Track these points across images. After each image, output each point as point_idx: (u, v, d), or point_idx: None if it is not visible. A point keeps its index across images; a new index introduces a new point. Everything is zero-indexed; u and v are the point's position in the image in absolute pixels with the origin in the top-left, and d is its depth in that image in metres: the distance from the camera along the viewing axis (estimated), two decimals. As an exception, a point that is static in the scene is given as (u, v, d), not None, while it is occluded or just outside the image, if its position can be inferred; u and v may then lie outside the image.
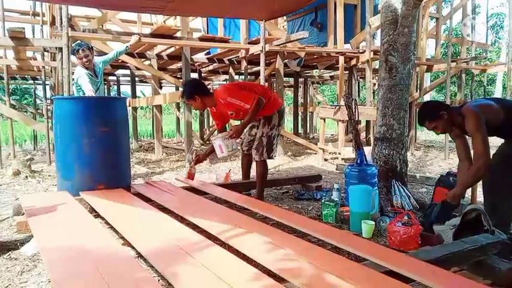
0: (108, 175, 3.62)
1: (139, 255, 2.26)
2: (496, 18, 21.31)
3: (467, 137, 2.77)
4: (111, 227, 2.76)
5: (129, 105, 8.86)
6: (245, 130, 3.69)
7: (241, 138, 3.82)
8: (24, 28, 5.50)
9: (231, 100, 3.40)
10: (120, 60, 7.78)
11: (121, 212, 2.91)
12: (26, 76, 9.83)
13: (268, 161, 3.70)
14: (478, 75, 10.54)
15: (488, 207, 2.67)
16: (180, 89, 3.67)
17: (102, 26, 6.70)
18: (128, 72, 9.61)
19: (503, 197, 2.68)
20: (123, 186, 3.69)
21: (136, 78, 10.19)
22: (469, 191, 3.44)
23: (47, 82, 7.92)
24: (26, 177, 5.11)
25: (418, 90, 8.63)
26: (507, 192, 2.66)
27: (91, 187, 3.49)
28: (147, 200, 3.36)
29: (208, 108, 3.83)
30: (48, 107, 6.59)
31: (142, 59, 7.62)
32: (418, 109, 2.88)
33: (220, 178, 4.79)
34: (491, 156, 2.56)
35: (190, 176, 4.00)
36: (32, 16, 8.44)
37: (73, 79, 4.59)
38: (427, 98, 15.54)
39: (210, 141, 3.76)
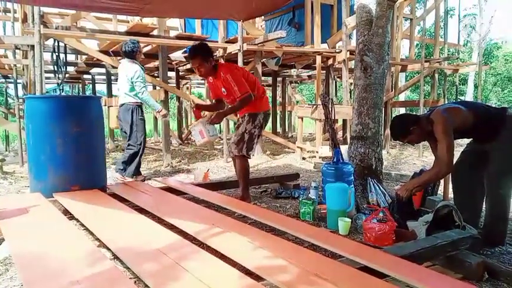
0: (82, 176, 3.55)
1: (115, 257, 2.23)
2: (469, 19, 21.91)
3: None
4: (86, 229, 2.71)
5: (105, 104, 8.70)
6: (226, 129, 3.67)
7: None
8: (-6, 25, 5.33)
9: (229, 79, 3.43)
10: (94, 59, 7.63)
11: (96, 213, 2.86)
12: (-3, 74, 9.53)
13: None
14: (451, 75, 10.80)
15: (458, 203, 2.75)
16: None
17: (76, 23, 6.56)
18: (103, 70, 9.43)
19: (471, 193, 2.77)
20: (99, 187, 3.63)
21: (113, 77, 10.01)
22: (441, 188, 3.54)
23: (18, 81, 7.67)
24: (-3, 178, 4.96)
25: (393, 90, 8.80)
26: (475, 188, 2.75)
27: (65, 188, 3.42)
28: (123, 200, 3.31)
29: (206, 79, 3.81)
30: (20, 107, 6.40)
31: (118, 57, 7.49)
32: (389, 125, 2.93)
33: (198, 178, 4.77)
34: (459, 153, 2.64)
35: (197, 113, 3.60)
36: (3, 13, 8.17)
37: (133, 77, 4.64)
38: (402, 97, 15.88)
39: (190, 129, 3.70)
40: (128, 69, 4.68)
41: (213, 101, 4.02)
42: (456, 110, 2.64)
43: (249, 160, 3.73)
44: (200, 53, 3.48)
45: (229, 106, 3.64)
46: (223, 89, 3.57)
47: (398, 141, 2.87)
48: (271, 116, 11.65)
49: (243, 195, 3.64)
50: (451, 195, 3.32)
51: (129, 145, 4.70)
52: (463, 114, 2.61)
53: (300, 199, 3.32)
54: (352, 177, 3.47)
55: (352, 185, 3.41)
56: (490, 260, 2.28)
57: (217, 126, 3.61)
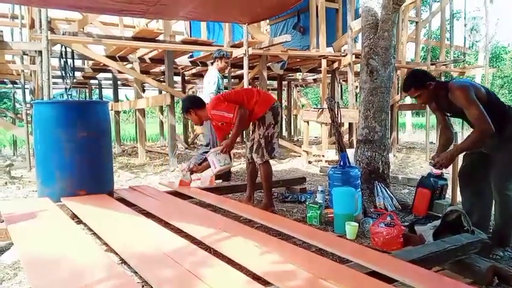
0: (90, 180, 3.56)
1: (123, 261, 2.23)
2: (474, 22, 21.79)
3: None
4: (94, 233, 2.72)
5: (112, 109, 8.76)
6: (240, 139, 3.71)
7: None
8: (2, 31, 5.39)
9: (215, 112, 3.50)
10: (101, 64, 7.69)
11: (104, 218, 2.87)
12: (5, 80, 9.62)
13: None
14: (457, 77, 10.75)
15: (466, 207, 2.73)
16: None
17: (83, 28, 6.62)
18: (110, 75, 9.51)
19: (479, 196, 2.74)
20: (106, 191, 3.64)
21: (119, 82, 10.08)
22: (449, 192, 3.52)
23: (26, 86, 7.76)
24: (6, 183, 5.00)
25: (399, 93, 8.76)
26: (483, 191, 2.72)
27: (72, 193, 3.43)
28: (131, 205, 3.32)
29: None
30: (28, 112, 6.46)
31: (125, 62, 7.55)
32: (405, 75, 2.86)
33: (204, 182, 4.76)
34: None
35: (183, 183, 4.00)
36: (11, 19, 8.27)
37: (205, 81, 5.14)
38: (408, 100, 15.78)
39: (207, 157, 3.82)
40: (207, 74, 5.24)
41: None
42: (475, 85, 2.59)
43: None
44: (184, 107, 3.72)
45: (232, 131, 3.62)
46: (220, 123, 3.67)
47: (408, 94, 2.74)
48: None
49: (267, 203, 3.58)
50: (459, 198, 3.31)
51: (207, 145, 5.13)
52: (481, 91, 2.55)
53: (307, 203, 3.31)
54: (359, 181, 3.46)
55: (359, 189, 3.40)
56: (499, 264, 2.26)
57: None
